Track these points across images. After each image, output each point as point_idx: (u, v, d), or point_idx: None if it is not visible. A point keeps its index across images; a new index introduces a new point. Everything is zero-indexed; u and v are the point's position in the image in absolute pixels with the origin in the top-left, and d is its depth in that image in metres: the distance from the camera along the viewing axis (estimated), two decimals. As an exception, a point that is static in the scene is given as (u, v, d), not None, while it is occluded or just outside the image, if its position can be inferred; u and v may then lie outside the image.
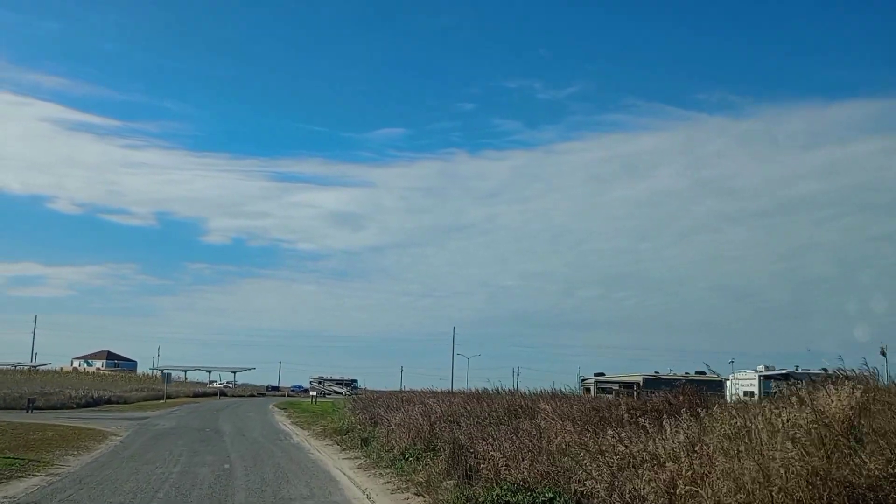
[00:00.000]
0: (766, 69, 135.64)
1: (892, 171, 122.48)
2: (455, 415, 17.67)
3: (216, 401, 65.33)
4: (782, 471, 6.31)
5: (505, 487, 9.83)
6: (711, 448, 7.07)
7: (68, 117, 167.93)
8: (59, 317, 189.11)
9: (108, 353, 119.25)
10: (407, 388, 60.83)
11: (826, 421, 6.89)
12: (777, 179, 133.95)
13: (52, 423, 29.10)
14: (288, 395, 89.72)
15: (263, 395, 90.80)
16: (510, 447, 11.43)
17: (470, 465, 12.10)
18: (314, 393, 75.81)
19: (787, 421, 7.10)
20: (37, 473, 14.76)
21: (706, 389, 21.07)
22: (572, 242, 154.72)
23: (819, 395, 7.60)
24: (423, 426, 17.14)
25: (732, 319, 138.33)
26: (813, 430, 6.85)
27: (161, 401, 56.82)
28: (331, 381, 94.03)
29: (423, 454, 15.44)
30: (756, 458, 6.39)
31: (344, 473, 16.11)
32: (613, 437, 8.12)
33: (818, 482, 6.23)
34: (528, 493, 9.39)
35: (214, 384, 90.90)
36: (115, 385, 68.75)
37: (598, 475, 7.81)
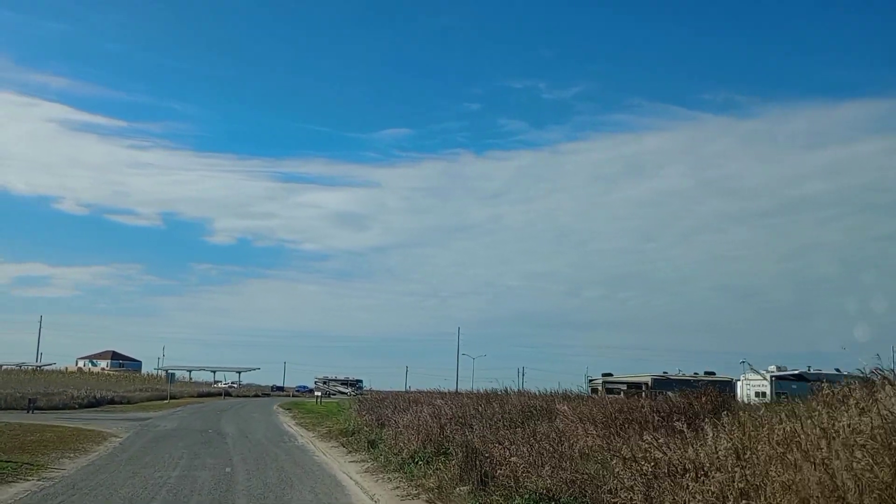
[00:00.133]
0: (770, 69, 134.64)
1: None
2: (466, 416, 16.92)
3: (220, 401, 64.71)
4: (850, 483, 5.56)
5: (526, 496, 9.09)
6: (763, 456, 6.31)
7: (73, 118, 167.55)
8: (65, 317, 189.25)
9: (113, 353, 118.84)
10: (413, 389, 60.14)
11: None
12: (781, 179, 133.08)
13: (51, 423, 28.47)
14: (293, 396, 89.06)
15: (268, 395, 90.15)
16: (528, 452, 10.69)
17: (485, 471, 11.36)
18: (319, 393, 75.06)
19: (848, 426, 6.33)
20: (29, 477, 14.08)
21: (717, 390, 20.35)
22: (576, 242, 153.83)
23: (881, 397, 6.82)
24: (432, 428, 16.40)
25: (736, 320, 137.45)
26: (879, 437, 6.08)
27: (165, 401, 56.23)
28: (336, 381, 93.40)
29: (434, 458, 14.71)
30: (819, 469, 5.63)
31: (350, 478, 15.38)
32: (650, 442, 7.35)
33: (890, 498, 5.48)
34: (553, 504, 8.67)
35: (219, 384, 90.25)
36: (118, 385, 68.20)
37: (632, 484, 7.07)
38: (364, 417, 26.64)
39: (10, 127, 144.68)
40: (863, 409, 6.68)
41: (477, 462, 11.86)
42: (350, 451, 20.31)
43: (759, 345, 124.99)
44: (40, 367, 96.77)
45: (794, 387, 55.51)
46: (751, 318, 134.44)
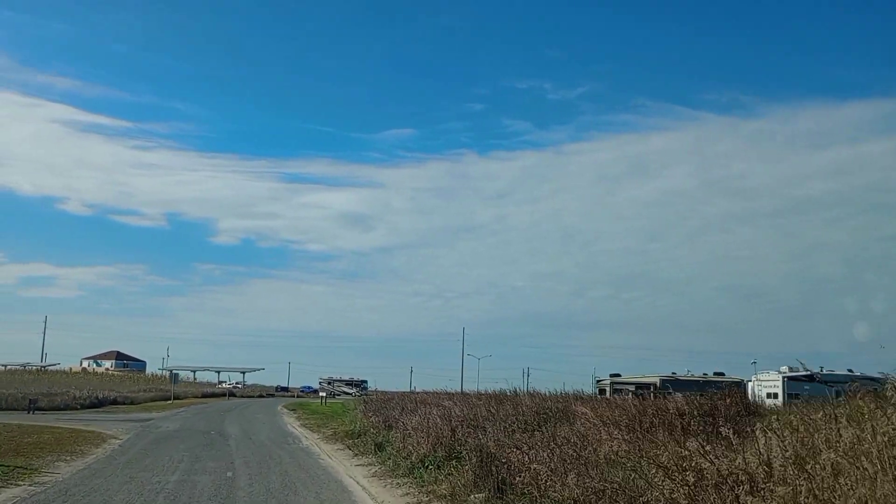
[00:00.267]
0: (774, 69, 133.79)
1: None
2: (478, 419, 16.16)
3: (224, 401, 64.09)
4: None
5: (550, 507, 8.35)
6: (830, 467, 5.55)
7: (78, 119, 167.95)
8: (69, 317, 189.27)
9: (118, 353, 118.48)
10: (419, 390, 59.44)
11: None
12: (786, 180, 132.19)
13: (51, 424, 27.84)
14: (297, 396, 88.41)
15: (273, 395, 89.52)
16: (550, 458, 9.93)
17: (502, 478, 10.60)
18: (324, 394, 74.34)
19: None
20: (20, 482, 13.39)
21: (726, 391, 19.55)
22: (582, 243, 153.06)
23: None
24: (443, 431, 15.65)
25: (741, 320, 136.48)
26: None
27: (168, 401, 55.61)
28: (340, 381, 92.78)
29: (445, 462, 13.95)
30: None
31: (357, 483, 14.65)
32: (694, 449, 6.58)
33: None
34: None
35: (223, 385, 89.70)
36: (122, 385, 67.66)
37: (675, 497, 6.31)
38: (370, 419, 25.93)
39: (14, 127, 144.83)
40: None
41: (493, 468, 11.11)
42: (356, 454, 19.58)
43: (765, 345, 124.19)
44: (44, 367, 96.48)
45: (806, 388, 54.46)
46: (756, 319, 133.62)
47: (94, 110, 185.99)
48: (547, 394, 24.14)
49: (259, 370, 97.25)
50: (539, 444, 10.87)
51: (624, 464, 9.01)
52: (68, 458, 17.50)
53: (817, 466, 5.72)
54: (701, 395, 16.61)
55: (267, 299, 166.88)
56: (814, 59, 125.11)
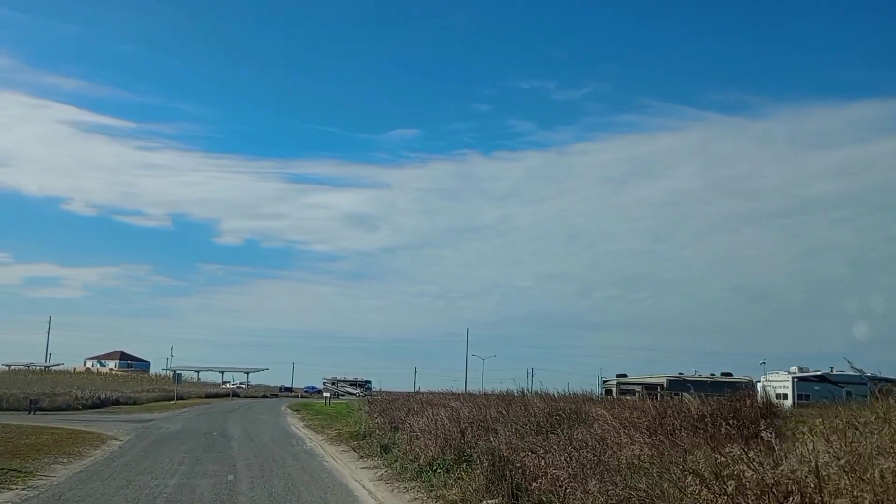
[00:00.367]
0: (780, 69, 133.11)
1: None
2: (488, 420, 15.58)
3: (228, 402, 63.62)
4: None
5: (572, 516, 7.78)
6: (890, 475, 4.97)
7: (84, 119, 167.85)
8: (74, 318, 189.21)
9: (122, 353, 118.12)
10: (424, 390, 58.83)
11: None
12: (792, 180, 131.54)
13: (51, 425, 27.37)
14: (301, 397, 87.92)
15: (277, 396, 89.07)
16: (567, 462, 9.36)
17: (517, 483, 10.04)
18: (328, 394, 73.82)
19: None
20: (13, 486, 12.87)
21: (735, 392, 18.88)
22: (587, 243, 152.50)
23: None
24: (452, 433, 15.08)
25: (748, 320, 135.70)
26: None
27: (171, 402, 55.18)
28: (344, 382, 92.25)
29: (455, 466, 13.38)
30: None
31: (363, 486, 14.09)
32: (735, 454, 5.99)
33: None
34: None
35: (227, 385, 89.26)
36: (126, 385, 67.20)
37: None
38: (376, 420, 25.37)
39: (21, 128, 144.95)
40: None
41: (506, 472, 10.55)
42: (362, 457, 19.02)
43: (772, 345, 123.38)
44: (48, 367, 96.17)
45: (816, 388, 53.75)
46: (763, 319, 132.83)
47: (100, 111, 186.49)
48: (557, 394, 23.58)
49: (263, 370, 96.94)
50: (555, 447, 10.30)
51: (648, 469, 8.43)
52: (65, 460, 17.00)
53: (875, 475, 5.15)
54: (718, 396, 16.00)
55: (272, 300, 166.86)
56: (820, 59, 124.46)
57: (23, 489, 12.65)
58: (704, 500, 5.92)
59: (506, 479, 10.30)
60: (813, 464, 5.66)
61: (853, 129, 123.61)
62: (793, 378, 55.05)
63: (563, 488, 8.31)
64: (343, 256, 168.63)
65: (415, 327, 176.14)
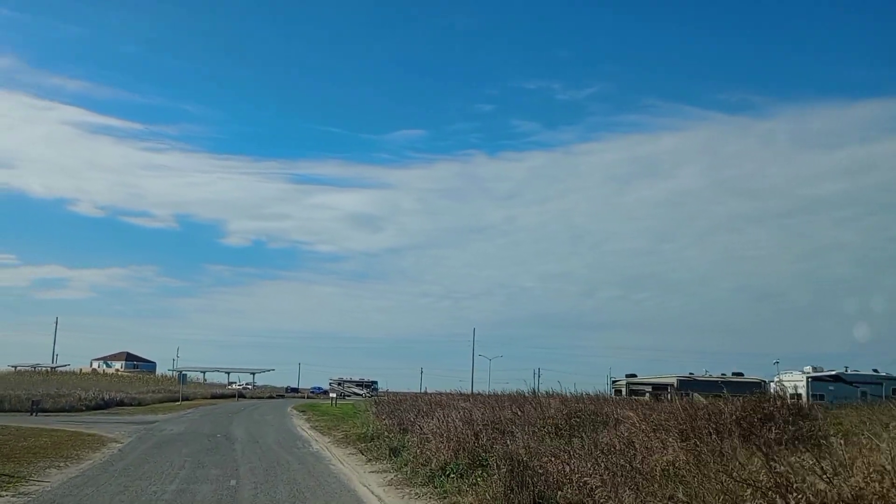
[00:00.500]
0: (785, 69, 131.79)
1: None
2: (503, 422, 14.84)
3: (233, 403, 63.05)
4: None
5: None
6: None
7: (90, 121, 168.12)
8: (81, 319, 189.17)
9: (128, 354, 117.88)
10: (431, 391, 58.12)
11: None
12: (796, 180, 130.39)
13: (52, 427, 26.77)
14: (307, 397, 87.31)
15: (282, 396, 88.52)
16: (594, 468, 8.61)
17: (539, 491, 9.29)
18: (334, 395, 73.09)
19: None
20: (4, 492, 12.20)
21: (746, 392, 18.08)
22: (592, 243, 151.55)
23: None
24: (465, 436, 14.35)
25: (753, 320, 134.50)
26: None
27: (177, 403, 54.61)
28: (350, 382, 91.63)
29: (469, 471, 12.65)
30: None
31: (372, 492, 13.37)
32: (802, 464, 5.23)
33: None
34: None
35: (233, 386, 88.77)
36: (131, 386, 66.75)
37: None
38: (383, 421, 24.64)
39: (26, 130, 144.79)
40: None
41: (526, 478, 9.81)
42: (370, 460, 18.31)
43: (778, 345, 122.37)
44: (54, 368, 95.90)
45: (831, 388, 52.76)
46: (768, 319, 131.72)
47: (105, 112, 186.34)
48: (570, 395, 22.83)
49: (269, 371, 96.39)
50: (579, 452, 9.55)
51: (684, 478, 7.69)
52: (62, 464, 16.33)
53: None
54: (734, 396, 15.21)
55: (277, 300, 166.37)
56: (824, 58, 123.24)
57: (13, 496, 11.98)
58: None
59: (527, 487, 9.56)
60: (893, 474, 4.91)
61: (857, 129, 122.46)
62: (807, 378, 54.00)
63: (594, 498, 7.56)
64: (347, 257, 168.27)
65: (419, 328, 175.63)
